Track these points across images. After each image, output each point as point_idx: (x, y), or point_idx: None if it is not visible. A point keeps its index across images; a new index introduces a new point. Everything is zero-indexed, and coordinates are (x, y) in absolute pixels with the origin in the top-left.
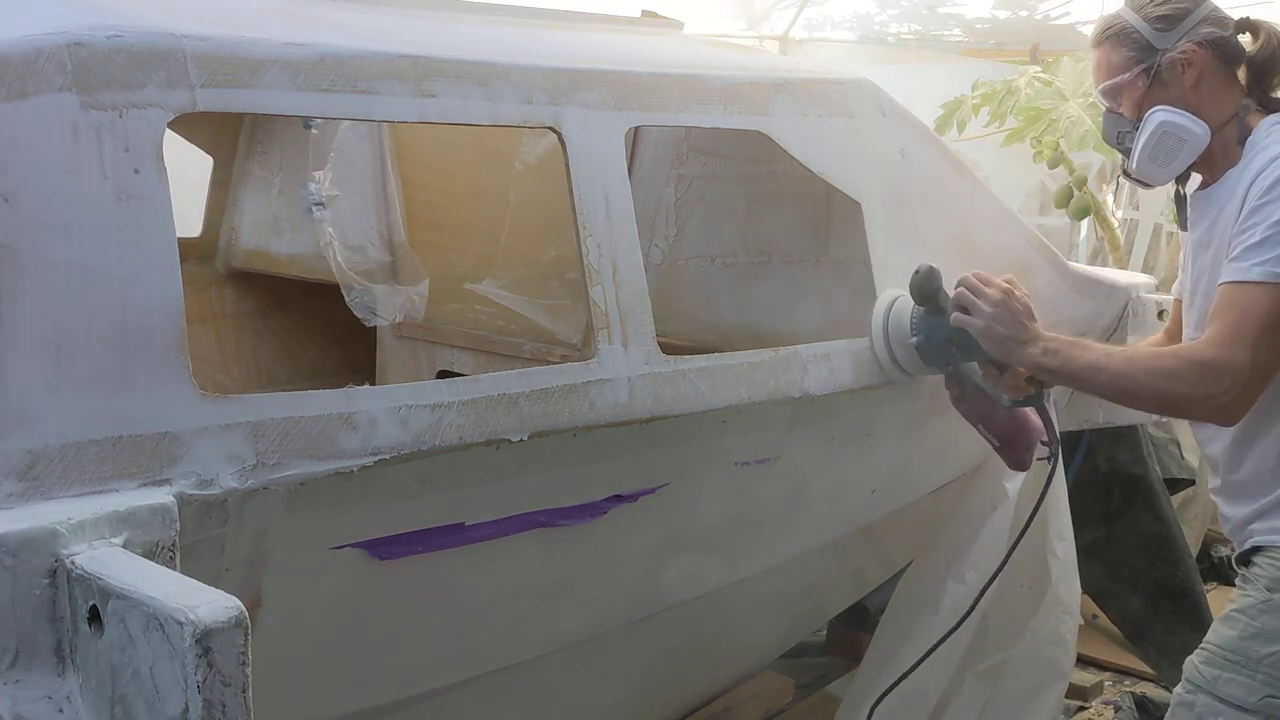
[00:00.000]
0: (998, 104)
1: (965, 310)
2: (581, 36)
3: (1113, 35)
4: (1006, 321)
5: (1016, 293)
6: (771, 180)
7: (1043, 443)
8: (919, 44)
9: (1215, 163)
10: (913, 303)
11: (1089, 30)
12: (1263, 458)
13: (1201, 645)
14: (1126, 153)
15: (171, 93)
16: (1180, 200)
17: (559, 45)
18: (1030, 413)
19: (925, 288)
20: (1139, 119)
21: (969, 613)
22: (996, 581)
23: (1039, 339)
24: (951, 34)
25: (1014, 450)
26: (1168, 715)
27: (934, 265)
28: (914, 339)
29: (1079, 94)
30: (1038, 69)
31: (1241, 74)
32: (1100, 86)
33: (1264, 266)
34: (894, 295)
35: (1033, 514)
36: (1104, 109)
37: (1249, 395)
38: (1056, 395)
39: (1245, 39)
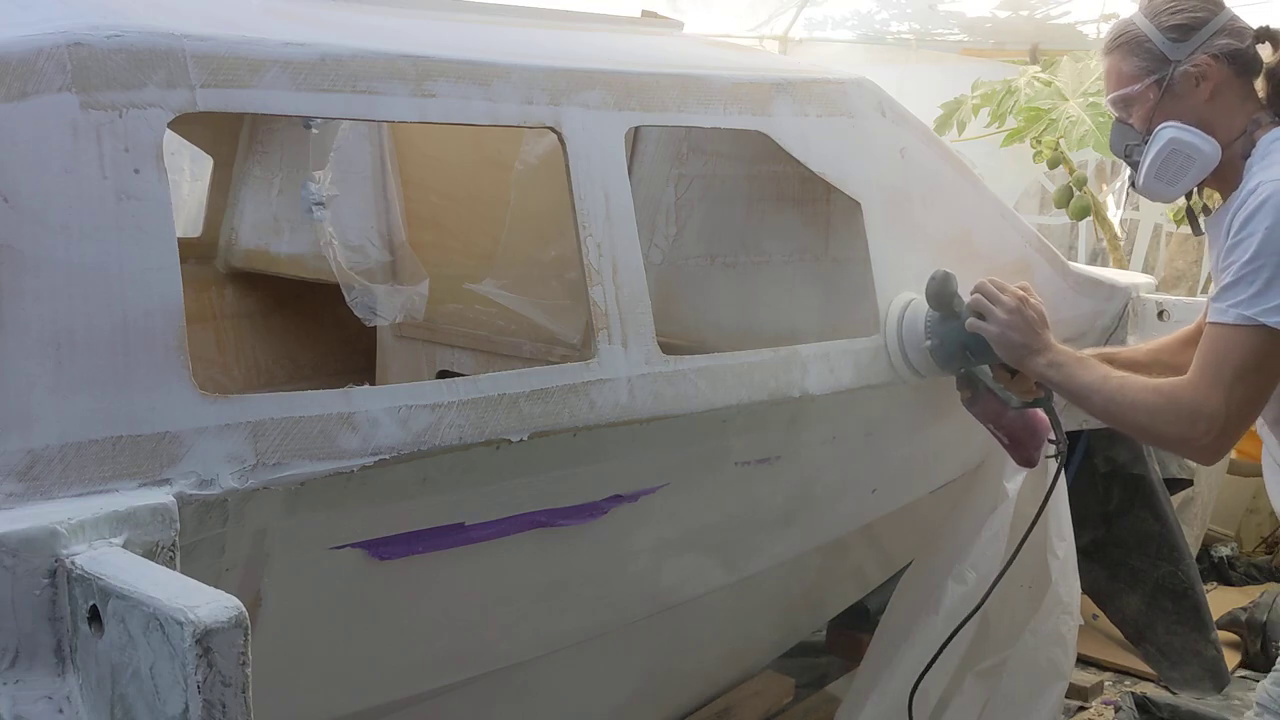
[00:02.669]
0: (997, 104)
1: (980, 316)
2: (581, 36)
3: (1125, 43)
4: (1020, 329)
5: (1031, 300)
6: (771, 180)
7: (1050, 440)
8: (919, 44)
9: (1227, 180)
10: (926, 306)
11: (1089, 30)
12: None
13: (1274, 667)
14: (1135, 166)
15: (171, 93)
16: (1190, 212)
17: (559, 45)
18: (1038, 412)
19: (941, 293)
20: (1149, 131)
21: (976, 609)
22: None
23: (1048, 349)
24: (952, 33)
25: (1022, 448)
26: None
27: (949, 271)
28: (928, 343)
29: (1078, 94)
30: (1037, 69)
31: (1260, 85)
32: (1110, 96)
33: (1237, 309)
34: (907, 298)
35: (1039, 511)
36: (1114, 118)
37: (1226, 438)
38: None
39: (1265, 49)
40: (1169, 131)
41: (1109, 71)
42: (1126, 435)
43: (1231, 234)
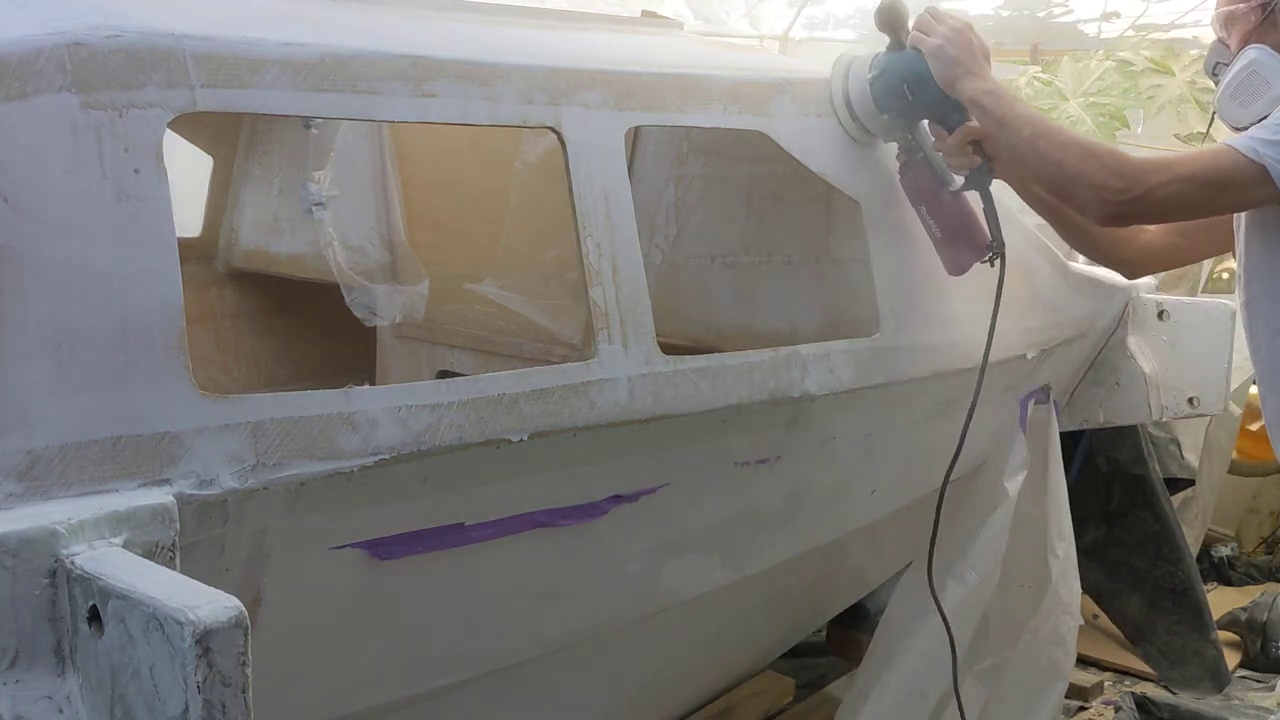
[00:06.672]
0: None
1: (925, 33)
2: (581, 36)
3: None
4: (959, 45)
5: (977, 34)
6: (771, 180)
7: (986, 245)
8: None
9: None
10: (876, 55)
11: (1090, 29)
12: None
13: None
14: (1218, 84)
15: (171, 93)
16: None
17: (559, 45)
18: (976, 211)
19: (890, 15)
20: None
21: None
22: (997, 582)
23: (988, 78)
24: None
25: (954, 245)
26: None
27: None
28: (871, 73)
29: (1079, 94)
30: (1037, 69)
31: None
32: (1216, 12)
33: (1250, 141)
34: (860, 54)
35: (990, 331)
36: (1215, 38)
37: (1134, 209)
38: (1057, 394)
39: None
40: (1252, 52)
41: None
42: (1127, 433)
43: None
